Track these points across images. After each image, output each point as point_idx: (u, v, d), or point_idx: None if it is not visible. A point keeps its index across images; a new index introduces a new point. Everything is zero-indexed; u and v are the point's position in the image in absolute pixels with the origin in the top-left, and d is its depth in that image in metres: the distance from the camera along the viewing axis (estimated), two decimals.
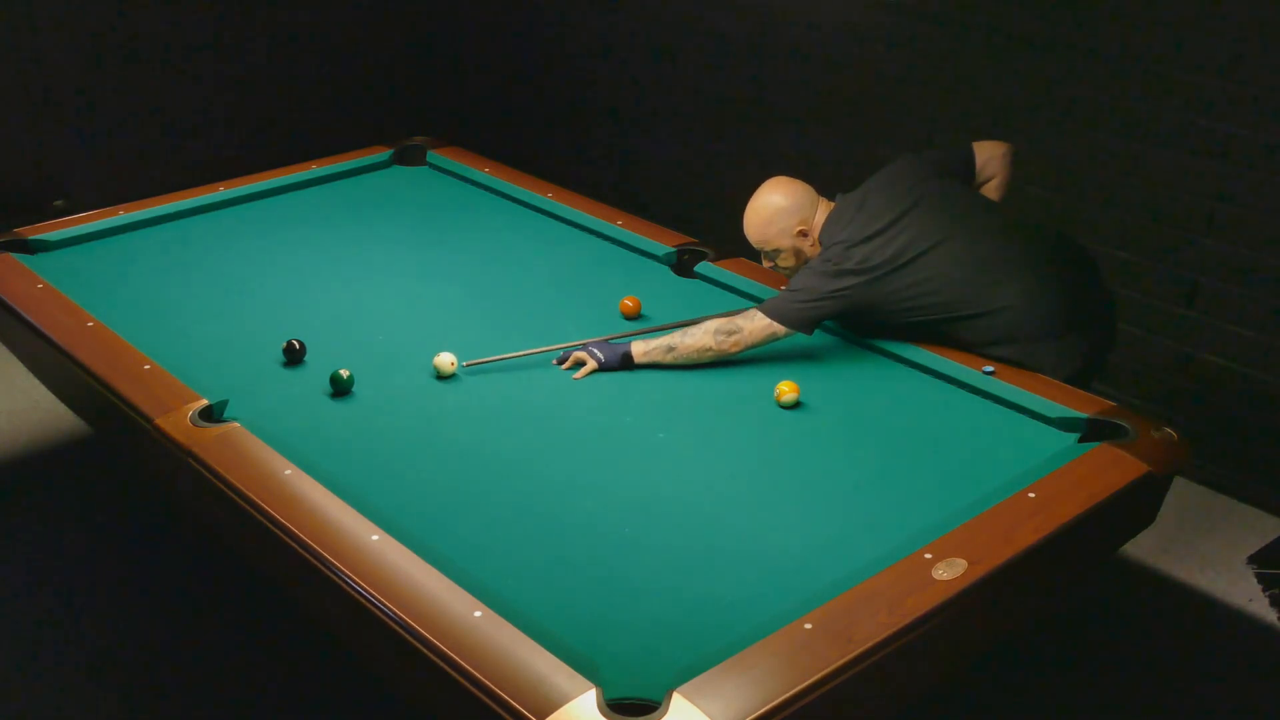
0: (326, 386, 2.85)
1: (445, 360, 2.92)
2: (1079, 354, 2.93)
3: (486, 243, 3.67)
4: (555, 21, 5.45)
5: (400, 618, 2.07)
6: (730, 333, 2.93)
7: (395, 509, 2.40)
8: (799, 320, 2.93)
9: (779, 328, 2.93)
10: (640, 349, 2.96)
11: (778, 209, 3.03)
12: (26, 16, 4.84)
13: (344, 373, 2.83)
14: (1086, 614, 3.32)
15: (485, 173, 4.06)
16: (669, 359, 2.96)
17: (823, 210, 3.04)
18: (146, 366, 2.83)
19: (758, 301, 3.30)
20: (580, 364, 2.96)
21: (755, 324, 2.93)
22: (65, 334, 2.98)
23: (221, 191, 3.86)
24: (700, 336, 2.94)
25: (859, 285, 2.89)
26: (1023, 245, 2.96)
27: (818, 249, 3.02)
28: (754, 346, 2.96)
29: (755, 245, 3.10)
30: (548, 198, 3.87)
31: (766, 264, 3.15)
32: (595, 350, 2.96)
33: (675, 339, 2.96)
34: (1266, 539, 3.64)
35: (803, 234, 3.02)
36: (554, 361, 2.99)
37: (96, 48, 5.03)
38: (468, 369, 2.93)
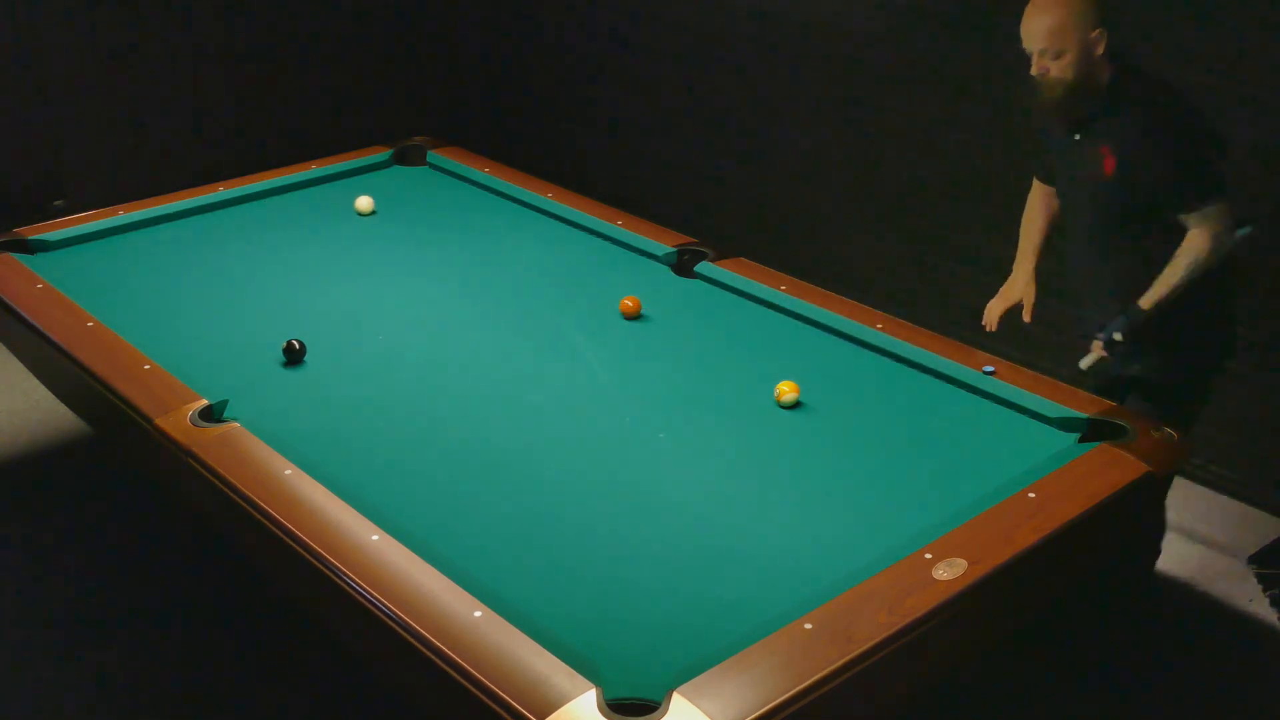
0: (327, 386, 2.85)
1: (365, 203, 3.36)
2: None
3: (486, 243, 3.67)
4: (555, 21, 5.45)
5: (400, 618, 2.07)
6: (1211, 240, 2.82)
7: (395, 509, 2.40)
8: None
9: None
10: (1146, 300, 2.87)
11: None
12: (27, 16, 4.84)
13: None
14: (1086, 614, 3.32)
15: (485, 173, 4.06)
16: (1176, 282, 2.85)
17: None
18: (146, 366, 2.83)
19: (757, 301, 3.30)
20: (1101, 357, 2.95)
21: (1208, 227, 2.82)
22: (65, 334, 2.98)
23: (221, 191, 3.86)
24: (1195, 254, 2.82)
25: None
26: None
27: (1105, 69, 2.81)
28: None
29: (1043, 31, 2.78)
30: (548, 198, 3.87)
31: (1038, 67, 2.82)
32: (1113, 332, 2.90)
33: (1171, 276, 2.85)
34: (1266, 539, 3.64)
35: (1099, 38, 2.77)
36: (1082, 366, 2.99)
37: (97, 47, 5.03)
38: None
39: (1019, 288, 3.28)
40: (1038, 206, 3.23)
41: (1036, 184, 3.24)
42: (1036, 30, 2.75)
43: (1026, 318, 3.25)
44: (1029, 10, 2.77)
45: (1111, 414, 2.72)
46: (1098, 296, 3.05)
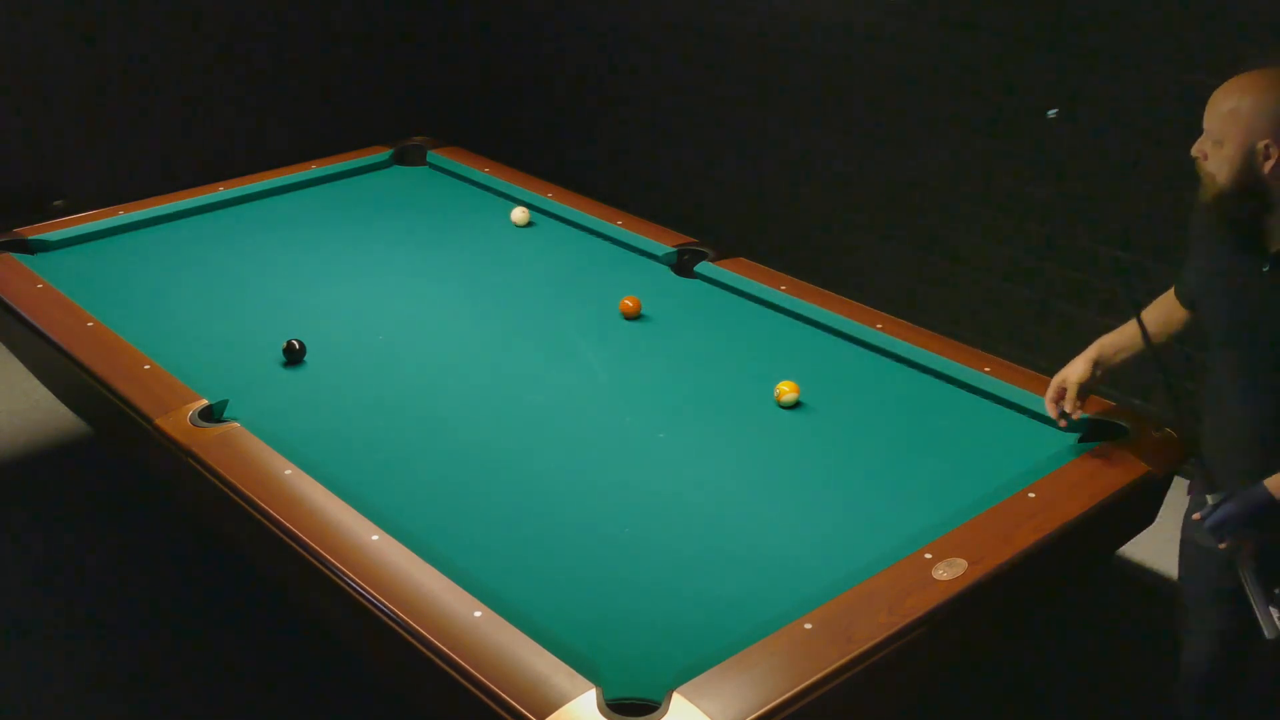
0: (327, 387, 2.85)
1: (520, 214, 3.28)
2: None
3: (486, 243, 3.67)
4: (556, 22, 5.44)
5: (400, 618, 2.07)
6: None
7: (395, 509, 2.39)
8: None
9: None
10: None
11: (1262, 93, 2.14)
12: (27, 17, 4.84)
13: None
14: (1087, 614, 3.32)
15: (485, 173, 4.06)
16: None
17: None
18: (146, 366, 2.83)
19: (757, 301, 3.30)
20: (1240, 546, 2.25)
21: None
22: (65, 334, 2.98)
23: (221, 191, 3.86)
24: None
25: None
26: None
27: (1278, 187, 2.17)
28: None
29: (1213, 110, 2.23)
30: (548, 198, 3.87)
31: (1197, 148, 2.30)
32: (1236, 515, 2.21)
33: None
34: None
35: (1268, 151, 2.14)
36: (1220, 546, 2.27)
37: (97, 48, 5.03)
38: None
39: (1076, 371, 2.57)
40: (1158, 320, 2.57)
41: (1171, 297, 2.59)
42: (1210, 107, 2.24)
43: (1068, 408, 2.57)
44: (1221, 86, 2.24)
45: (1111, 414, 2.72)
46: (1223, 444, 2.37)
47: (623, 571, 2.29)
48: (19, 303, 3.13)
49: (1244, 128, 2.15)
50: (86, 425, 3.57)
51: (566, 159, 5.51)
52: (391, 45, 5.85)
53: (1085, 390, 2.54)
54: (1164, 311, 2.58)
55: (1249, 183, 2.19)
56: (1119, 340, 2.55)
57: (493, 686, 1.91)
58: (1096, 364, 2.53)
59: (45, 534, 3.55)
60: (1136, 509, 2.60)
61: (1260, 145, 2.14)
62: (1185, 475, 3.82)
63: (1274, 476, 2.19)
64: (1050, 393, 2.58)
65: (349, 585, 2.16)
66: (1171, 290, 2.59)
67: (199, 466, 2.50)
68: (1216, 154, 2.22)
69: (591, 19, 5.28)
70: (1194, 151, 2.31)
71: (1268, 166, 2.14)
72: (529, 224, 3.72)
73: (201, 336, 3.08)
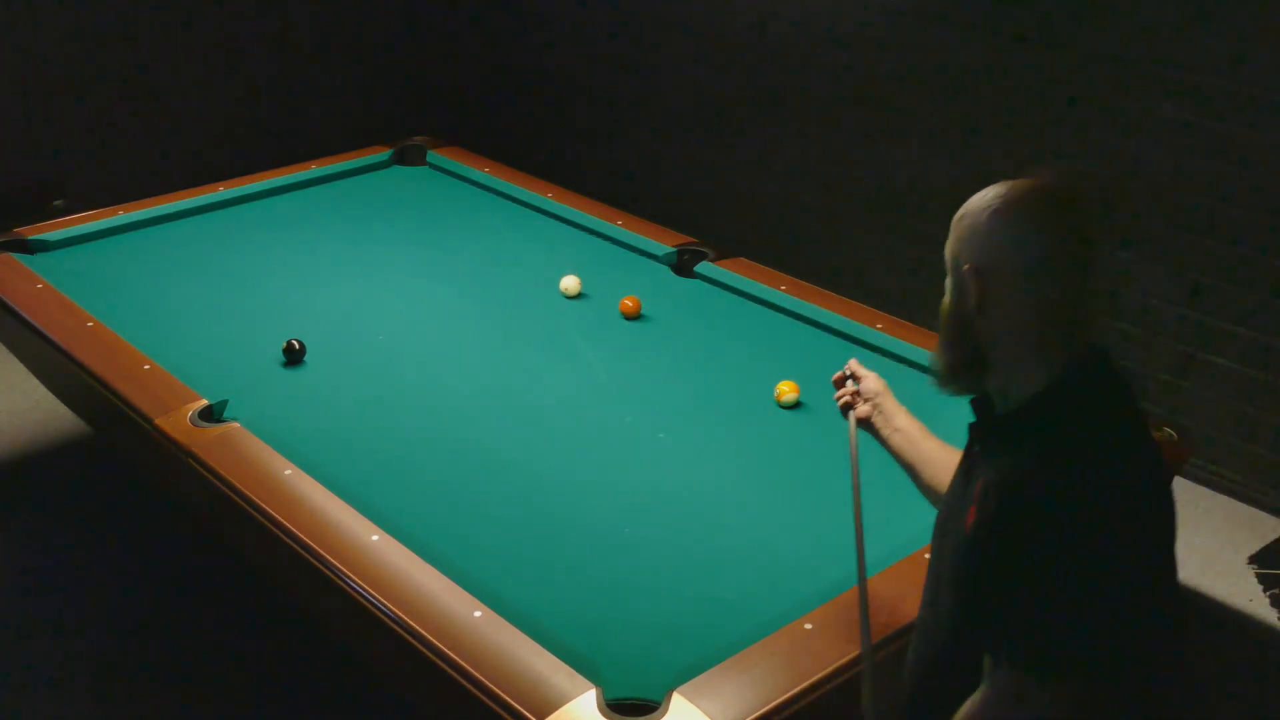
0: (327, 386, 2.85)
1: (571, 282, 3.16)
2: None
3: (486, 243, 3.67)
4: (556, 22, 5.44)
5: (400, 618, 2.07)
6: None
7: (395, 509, 2.39)
8: None
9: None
10: None
11: (978, 211, 1.61)
12: (27, 17, 4.84)
13: None
14: None
15: (485, 173, 4.06)
16: None
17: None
18: (146, 366, 2.83)
19: (757, 301, 3.30)
20: None
21: None
22: (65, 334, 2.98)
23: (221, 191, 3.86)
24: None
25: None
26: None
27: (995, 339, 1.63)
28: None
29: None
30: (548, 198, 3.87)
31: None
32: None
33: None
34: (1266, 539, 3.64)
35: (976, 273, 1.60)
36: None
37: (97, 48, 5.03)
38: None
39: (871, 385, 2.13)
40: (929, 452, 2.07)
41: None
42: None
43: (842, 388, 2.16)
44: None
45: None
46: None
47: (623, 571, 2.29)
48: (19, 303, 3.13)
49: (952, 248, 1.64)
50: (86, 425, 3.56)
51: (566, 159, 5.51)
52: (391, 45, 5.85)
53: (857, 393, 2.12)
54: (926, 453, 2.06)
55: (962, 330, 1.66)
56: (897, 438, 2.09)
57: (493, 686, 1.91)
58: (876, 407, 2.10)
59: (45, 534, 3.55)
60: None
61: (965, 269, 1.60)
62: (1185, 475, 3.83)
63: None
64: (839, 375, 2.15)
65: (349, 585, 2.16)
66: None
67: (199, 466, 2.50)
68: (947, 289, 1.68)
69: (592, 19, 5.28)
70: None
71: (974, 296, 1.60)
72: (580, 295, 3.35)
73: (201, 336, 3.08)
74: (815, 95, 4.56)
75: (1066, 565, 1.51)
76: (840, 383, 2.15)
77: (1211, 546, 3.61)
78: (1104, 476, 1.55)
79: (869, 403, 2.10)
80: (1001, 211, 1.58)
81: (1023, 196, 1.58)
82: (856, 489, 1.95)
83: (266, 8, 5.41)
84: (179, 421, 2.62)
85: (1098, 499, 1.53)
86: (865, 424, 2.09)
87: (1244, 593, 3.44)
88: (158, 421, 2.63)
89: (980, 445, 1.70)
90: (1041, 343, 1.58)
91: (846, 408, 2.12)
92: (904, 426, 2.08)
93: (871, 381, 2.11)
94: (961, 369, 1.72)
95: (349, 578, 2.17)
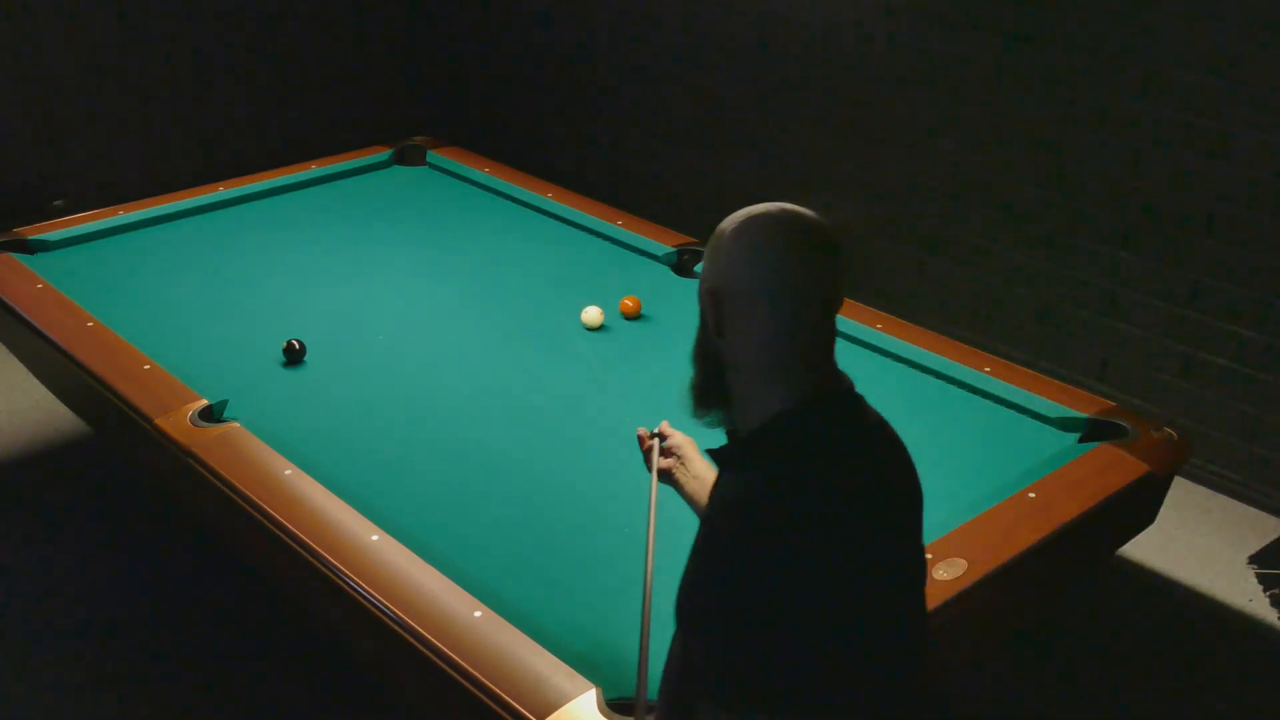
0: (327, 387, 2.85)
1: (594, 314, 3.10)
2: None
3: (486, 243, 3.67)
4: (555, 21, 5.44)
5: (400, 618, 2.07)
6: None
7: (395, 509, 2.40)
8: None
9: None
10: None
11: (720, 233, 1.62)
12: (26, 17, 4.84)
13: None
14: (1087, 614, 3.32)
15: (485, 173, 4.06)
16: None
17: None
18: (146, 366, 2.83)
19: None
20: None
21: None
22: (65, 334, 2.98)
23: (221, 191, 3.86)
24: None
25: None
26: None
27: (747, 385, 1.59)
28: None
29: None
30: (548, 198, 3.87)
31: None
32: None
33: None
34: (1266, 539, 3.64)
35: (712, 295, 1.56)
36: None
37: (97, 48, 5.03)
38: None
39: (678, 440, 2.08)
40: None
41: None
42: None
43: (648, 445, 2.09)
44: None
45: (1111, 414, 2.72)
46: None
47: (623, 571, 2.28)
48: (19, 303, 3.13)
49: (701, 275, 1.60)
50: (86, 425, 3.56)
51: (566, 159, 5.51)
52: (391, 45, 5.85)
53: (662, 449, 2.06)
54: None
55: (704, 349, 1.64)
56: (693, 484, 2.03)
57: (493, 686, 1.91)
58: (680, 459, 2.05)
59: (45, 534, 3.55)
60: (1136, 509, 2.59)
61: (705, 287, 1.56)
62: (1185, 475, 3.82)
63: None
64: (647, 431, 2.10)
65: (349, 585, 2.16)
66: None
67: (199, 466, 2.50)
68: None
69: (592, 19, 5.28)
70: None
71: (712, 319, 1.55)
72: (601, 326, 3.20)
73: (201, 336, 3.08)
74: (815, 95, 4.56)
75: (750, 596, 1.46)
76: (644, 439, 2.10)
77: (1211, 546, 3.61)
78: (810, 504, 1.48)
79: (674, 456, 2.04)
80: (741, 232, 1.56)
81: (763, 220, 1.57)
82: (651, 539, 1.89)
83: (267, 8, 5.41)
84: (179, 421, 2.62)
85: (796, 527, 1.46)
86: (666, 476, 2.04)
87: (1244, 593, 3.44)
88: (158, 421, 2.63)
89: (721, 472, 1.63)
90: (775, 369, 1.53)
91: (648, 455, 2.05)
92: (702, 474, 2.01)
93: (678, 438, 2.06)
94: (708, 393, 1.67)
95: (349, 578, 2.17)
